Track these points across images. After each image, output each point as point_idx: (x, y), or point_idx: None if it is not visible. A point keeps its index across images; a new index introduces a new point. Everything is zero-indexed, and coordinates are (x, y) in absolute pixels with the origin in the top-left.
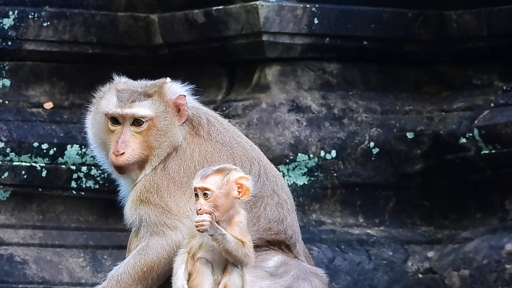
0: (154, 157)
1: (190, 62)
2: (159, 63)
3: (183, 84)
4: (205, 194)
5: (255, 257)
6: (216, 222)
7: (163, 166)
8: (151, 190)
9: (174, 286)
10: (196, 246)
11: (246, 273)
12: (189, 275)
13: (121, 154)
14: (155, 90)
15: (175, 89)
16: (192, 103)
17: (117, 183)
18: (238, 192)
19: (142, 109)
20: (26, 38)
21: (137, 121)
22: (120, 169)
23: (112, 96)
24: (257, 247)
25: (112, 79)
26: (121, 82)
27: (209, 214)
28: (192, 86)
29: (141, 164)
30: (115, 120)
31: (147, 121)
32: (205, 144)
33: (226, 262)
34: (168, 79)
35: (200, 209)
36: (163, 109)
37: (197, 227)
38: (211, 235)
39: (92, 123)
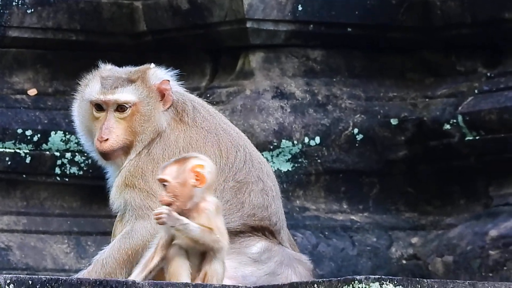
0: (138, 142)
1: (174, 49)
2: (143, 50)
3: (167, 70)
4: (164, 185)
5: (238, 243)
6: (180, 212)
7: (147, 151)
8: (136, 175)
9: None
10: (169, 233)
11: (229, 259)
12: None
13: (105, 140)
14: (138, 75)
15: (158, 74)
16: (176, 88)
17: (102, 169)
18: (196, 180)
19: (125, 94)
20: (10, 25)
21: (120, 107)
22: (105, 155)
23: (96, 83)
24: (240, 233)
25: (97, 66)
26: (106, 69)
27: (169, 205)
28: (176, 71)
29: (126, 150)
30: (99, 107)
31: (130, 106)
32: (190, 131)
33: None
34: (153, 65)
35: (160, 200)
36: (146, 94)
37: (156, 219)
38: (172, 226)
39: (78, 110)
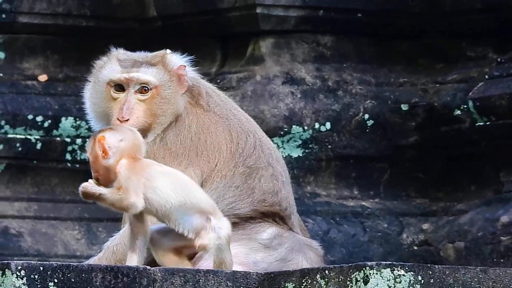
0: (158, 124)
1: (183, 34)
2: (152, 36)
3: (183, 55)
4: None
5: (249, 229)
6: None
7: (161, 137)
8: None
9: None
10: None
11: (240, 245)
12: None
13: (125, 120)
14: (158, 59)
15: (176, 59)
16: (191, 74)
17: None
18: (102, 152)
19: (147, 75)
20: (20, 11)
21: (143, 88)
22: None
23: (114, 64)
24: (251, 218)
25: (109, 50)
26: (121, 52)
27: (97, 179)
28: (191, 57)
29: (144, 132)
30: (119, 87)
31: (151, 88)
32: (203, 115)
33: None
34: (168, 51)
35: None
36: (167, 78)
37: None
38: (94, 199)
39: (91, 92)
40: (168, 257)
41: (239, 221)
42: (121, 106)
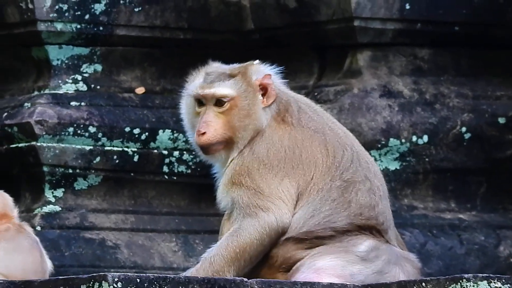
0: (240, 139)
1: (281, 47)
2: (250, 48)
3: (271, 66)
4: None
5: (346, 241)
6: None
7: (250, 150)
8: (242, 173)
9: None
10: None
11: (337, 258)
12: None
13: (202, 133)
14: (239, 70)
15: (260, 69)
16: (280, 87)
17: (209, 168)
18: None
19: (222, 88)
20: (118, 24)
21: (219, 101)
22: (203, 149)
23: (199, 78)
24: (348, 231)
25: (205, 63)
26: (212, 65)
27: None
28: (280, 68)
29: (226, 145)
30: (200, 102)
31: (228, 100)
32: (295, 131)
33: None
34: (257, 61)
35: None
36: (244, 89)
37: None
38: None
39: (184, 107)
40: (264, 269)
41: (336, 234)
42: (200, 120)
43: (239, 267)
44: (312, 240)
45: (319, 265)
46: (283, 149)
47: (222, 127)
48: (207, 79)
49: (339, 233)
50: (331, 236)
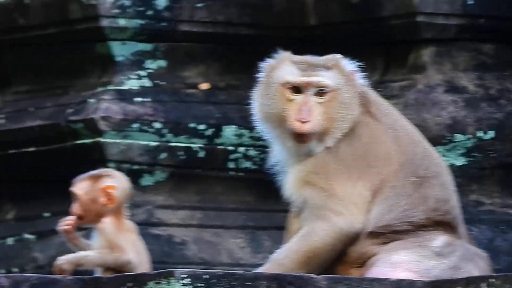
0: (336, 129)
1: (344, 43)
2: (313, 44)
3: (350, 62)
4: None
5: (421, 237)
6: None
7: (334, 146)
8: (319, 172)
9: None
10: None
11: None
12: None
13: (306, 121)
14: (333, 63)
15: (348, 64)
16: (360, 81)
17: (272, 160)
18: (108, 199)
19: (325, 78)
20: (181, 19)
21: (319, 91)
22: (302, 136)
23: (290, 66)
24: (423, 226)
25: (275, 53)
26: (291, 55)
27: (80, 218)
28: (359, 63)
29: (319, 136)
30: (295, 89)
31: (329, 91)
32: (373, 125)
33: None
34: (339, 55)
35: (72, 212)
36: (344, 82)
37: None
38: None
39: (262, 94)
40: (337, 265)
41: (412, 229)
42: (299, 107)
43: (309, 270)
44: (389, 234)
45: (394, 259)
46: (362, 145)
47: (321, 117)
48: (302, 67)
49: (415, 228)
50: (407, 230)
